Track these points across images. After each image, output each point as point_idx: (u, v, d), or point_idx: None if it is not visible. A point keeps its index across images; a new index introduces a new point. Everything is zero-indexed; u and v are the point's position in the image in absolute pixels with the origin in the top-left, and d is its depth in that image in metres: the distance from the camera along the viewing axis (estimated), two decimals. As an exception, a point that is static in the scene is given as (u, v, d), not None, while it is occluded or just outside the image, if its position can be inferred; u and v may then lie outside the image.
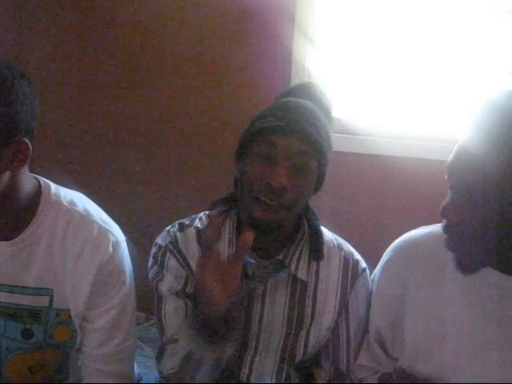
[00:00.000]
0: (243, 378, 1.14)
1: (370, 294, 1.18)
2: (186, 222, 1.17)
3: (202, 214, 1.20)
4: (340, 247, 1.18)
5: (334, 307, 1.15)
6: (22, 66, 1.01)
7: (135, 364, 1.23)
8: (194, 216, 1.19)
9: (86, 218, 1.09)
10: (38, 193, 1.07)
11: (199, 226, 1.16)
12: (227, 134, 2.08)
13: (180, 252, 1.13)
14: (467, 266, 0.98)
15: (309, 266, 1.14)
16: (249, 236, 0.96)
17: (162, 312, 1.12)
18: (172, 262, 1.13)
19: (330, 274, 1.15)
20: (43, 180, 1.10)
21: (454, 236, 0.96)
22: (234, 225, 1.14)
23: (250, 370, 1.14)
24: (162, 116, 2.18)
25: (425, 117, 2.00)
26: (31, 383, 1.16)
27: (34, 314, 1.08)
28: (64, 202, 1.09)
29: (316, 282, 1.15)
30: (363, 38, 2.01)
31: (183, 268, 1.13)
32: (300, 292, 1.14)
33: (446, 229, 0.96)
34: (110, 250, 1.09)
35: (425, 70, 1.98)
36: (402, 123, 2.01)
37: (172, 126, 2.18)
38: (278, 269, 1.13)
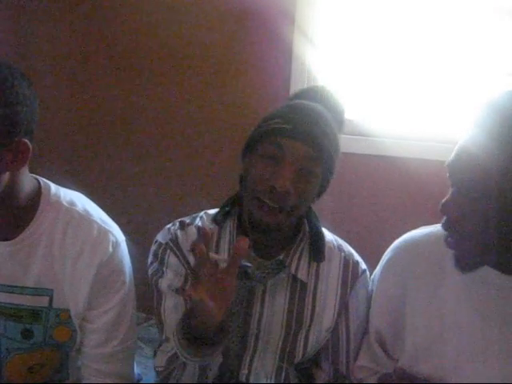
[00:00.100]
0: (242, 378, 1.14)
1: (369, 295, 1.18)
2: (187, 220, 1.17)
3: (202, 212, 1.20)
4: (340, 248, 1.18)
5: (334, 308, 1.14)
6: (21, 67, 1.01)
7: (135, 364, 1.23)
8: (194, 215, 1.19)
9: (85, 218, 1.09)
10: (38, 193, 1.07)
11: (200, 224, 1.15)
12: (227, 134, 2.08)
13: (180, 250, 1.13)
14: (466, 263, 0.98)
15: (309, 266, 1.14)
16: (243, 243, 0.91)
17: (162, 308, 1.12)
18: (172, 259, 1.13)
19: (330, 275, 1.15)
20: (43, 180, 1.10)
21: (454, 233, 0.96)
22: (235, 224, 1.14)
23: (249, 370, 1.13)
24: (162, 116, 2.18)
25: (427, 117, 2.00)
26: (31, 383, 1.16)
27: (34, 314, 1.08)
28: (64, 202, 1.09)
29: (316, 282, 1.14)
30: (363, 39, 2.01)
31: (183, 266, 1.12)
32: (300, 292, 1.14)
33: (445, 225, 0.96)
34: (110, 250, 1.09)
35: (424, 70, 1.97)
36: (406, 124, 2.01)
37: (172, 126, 2.18)
38: (278, 269, 1.13)
